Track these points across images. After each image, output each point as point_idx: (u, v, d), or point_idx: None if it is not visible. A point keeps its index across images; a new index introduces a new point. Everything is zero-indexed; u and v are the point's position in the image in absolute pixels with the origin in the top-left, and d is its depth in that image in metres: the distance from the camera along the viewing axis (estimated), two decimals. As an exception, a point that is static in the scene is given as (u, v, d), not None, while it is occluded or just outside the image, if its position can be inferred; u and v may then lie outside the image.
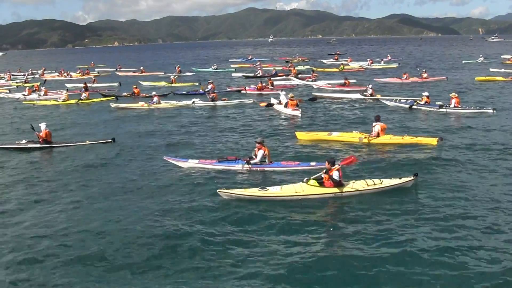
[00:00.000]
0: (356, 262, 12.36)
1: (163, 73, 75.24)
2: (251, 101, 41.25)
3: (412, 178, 17.78)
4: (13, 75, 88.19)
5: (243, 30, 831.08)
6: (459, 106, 34.29)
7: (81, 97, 46.82)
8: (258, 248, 13.43)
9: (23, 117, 40.15)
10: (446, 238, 13.55)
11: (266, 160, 20.87)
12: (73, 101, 45.99)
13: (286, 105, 35.13)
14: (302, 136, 26.89)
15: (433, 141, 24.48)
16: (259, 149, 20.85)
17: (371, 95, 41.04)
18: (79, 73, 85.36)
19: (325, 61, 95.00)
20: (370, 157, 22.86)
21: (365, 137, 25.20)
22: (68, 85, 60.97)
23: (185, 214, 16.04)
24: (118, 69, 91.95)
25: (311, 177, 17.39)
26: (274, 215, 15.68)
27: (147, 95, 47.02)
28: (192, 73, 74.30)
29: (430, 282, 11.44)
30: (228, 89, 49.71)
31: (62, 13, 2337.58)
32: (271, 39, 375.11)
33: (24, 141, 27.47)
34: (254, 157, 20.96)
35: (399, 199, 16.75)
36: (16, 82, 73.19)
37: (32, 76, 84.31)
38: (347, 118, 33.31)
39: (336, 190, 17.07)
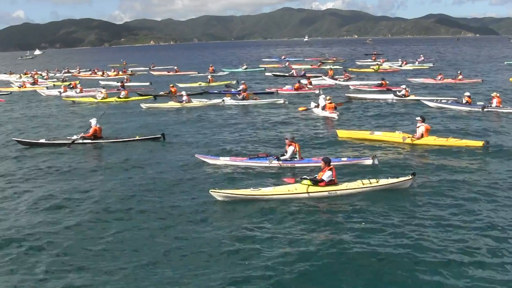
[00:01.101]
0: (346, 260, 12.35)
1: (196, 73, 75.48)
2: (282, 101, 41.08)
3: (410, 177, 17.42)
4: (50, 73, 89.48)
5: (278, 30, 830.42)
6: (501, 105, 33.73)
7: (120, 95, 47.21)
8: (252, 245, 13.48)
9: (69, 114, 40.93)
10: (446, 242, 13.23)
11: (297, 156, 20.83)
12: (112, 99, 46.35)
13: (323, 108, 34.56)
14: (344, 134, 26.67)
15: (479, 143, 23.77)
16: (289, 145, 20.87)
17: (404, 95, 40.44)
18: (114, 71, 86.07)
19: (359, 61, 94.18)
20: (413, 158, 22.53)
21: (409, 137, 24.72)
22: (103, 83, 61.72)
23: (222, 212, 16.23)
24: (151, 68, 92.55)
25: (309, 176, 17.30)
26: (269, 214, 15.70)
27: (189, 93, 47.29)
28: (224, 73, 74.34)
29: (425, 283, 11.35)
30: (260, 91, 49.34)
31: (99, 12, 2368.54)
32: (306, 39, 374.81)
33: (75, 136, 27.87)
34: (285, 153, 20.92)
35: (398, 198, 16.62)
36: (53, 81, 74.28)
37: (69, 74, 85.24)
38: (382, 119, 32.90)
39: (329, 189, 16.95)
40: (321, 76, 60.75)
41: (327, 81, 55.86)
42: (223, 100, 41.52)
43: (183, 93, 42.51)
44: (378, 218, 14.94)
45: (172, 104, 41.55)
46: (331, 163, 17.30)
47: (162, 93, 48.04)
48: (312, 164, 20.59)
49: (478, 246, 12.82)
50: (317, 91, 40.48)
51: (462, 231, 13.88)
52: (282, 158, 20.75)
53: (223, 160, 21.73)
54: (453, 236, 13.52)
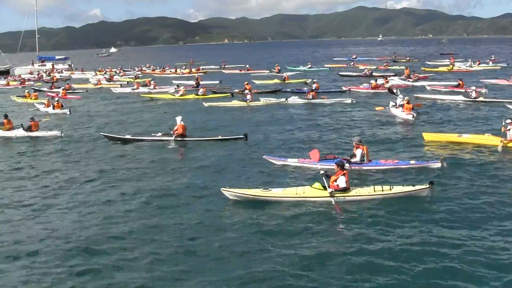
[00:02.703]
0: (350, 266, 12.16)
1: (268, 72, 75.52)
2: (350, 101, 40.72)
3: (427, 186, 16.64)
4: (124, 70, 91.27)
5: (352, 29, 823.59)
6: None
7: (198, 93, 47.80)
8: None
9: (148, 110, 41.96)
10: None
11: (365, 159, 20.55)
12: (190, 96, 46.96)
13: (402, 109, 33.61)
14: (430, 137, 25.95)
15: None
16: (357, 148, 20.65)
17: (475, 97, 39.35)
18: (187, 69, 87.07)
19: (429, 62, 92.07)
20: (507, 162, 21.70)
21: (501, 141, 23.65)
22: (176, 82, 62.51)
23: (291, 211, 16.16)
24: (222, 67, 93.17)
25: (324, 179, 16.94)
26: (277, 217, 15.76)
27: (258, 91, 47.76)
28: (292, 73, 73.99)
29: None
30: (332, 90, 49.03)
31: (173, 10, 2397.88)
32: (380, 38, 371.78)
33: (159, 134, 28.52)
34: (353, 156, 20.71)
35: (412, 208, 15.91)
36: (129, 78, 75.87)
37: (139, 72, 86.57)
38: (457, 121, 32.16)
39: (338, 194, 16.54)
40: (389, 76, 59.56)
41: (395, 80, 54.85)
42: (286, 99, 41.49)
43: (247, 91, 42.69)
44: (387, 227, 14.48)
45: (235, 102, 41.83)
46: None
47: (236, 90, 48.20)
48: (380, 166, 20.35)
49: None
50: (394, 91, 39.76)
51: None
52: (352, 160, 20.49)
53: (291, 162, 21.66)
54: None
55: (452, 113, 35.36)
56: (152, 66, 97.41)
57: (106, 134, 29.88)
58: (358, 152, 20.52)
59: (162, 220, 15.76)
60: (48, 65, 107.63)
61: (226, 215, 16.14)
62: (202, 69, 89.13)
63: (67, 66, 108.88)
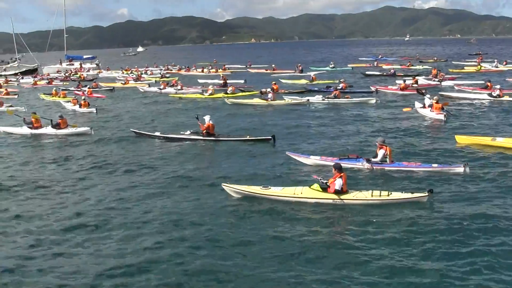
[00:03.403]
0: (338, 268, 12.32)
1: (293, 71, 75.39)
2: (374, 101, 40.60)
3: (426, 194, 16.38)
4: (151, 69, 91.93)
5: (379, 29, 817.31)
6: None
7: (227, 91, 47.86)
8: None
9: (176, 109, 42.25)
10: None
11: (387, 159, 20.60)
12: (219, 95, 47.15)
13: (431, 108, 33.33)
14: (462, 139, 25.37)
15: None
16: (380, 148, 20.69)
17: (499, 96, 39.06)
18: (213, 69, 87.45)
19: (455, 62, 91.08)
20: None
21: None
22: (201, 81, 62.91)
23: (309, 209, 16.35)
24: (248, 66, 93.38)
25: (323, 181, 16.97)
26: (274, 214, 16.10)
27: (285, 91, 47.97)
28: (315, 72, 73.78)
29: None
30: (359, 90, 48.88)
31: (201, 10, 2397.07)
32: (407, 38, 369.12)
33: (188, 132, 28.82)
34: (376, 156, 20.80)
35: (408, 214, 15.71)
36: (156, 76, 76.37)
37: (164, 71, 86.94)
38: (484, 121, 31.82)
39: (334, 197, 16.59)
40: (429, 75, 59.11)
41: (420, 80, 54.42)
42: (308, 99, 41.59)
43: (269, 90, 42.89)
44: (382, 232, 14.40)
45: (257, 100, 42.02)
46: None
47: (263, 90, 48.35)
48: (402, 168, 20.35)
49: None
50: (423, 91, 39.61)
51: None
52: (373, 160, 20.61)
53: (313, 159, 21.79)
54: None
55: (480, 113, 34.95)
56: (178, 66, 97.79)
57: (136, 131, 30.45)
58: (381, 153, 20.58)
59: (181, 215, 16.17)
60: (76, 64, 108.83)
61: (229, 210, 16.66)
62: (227, 68, 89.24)
63: (95, 65, 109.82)
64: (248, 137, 27.88)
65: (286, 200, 16.94)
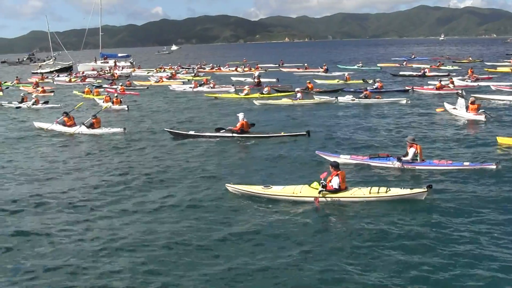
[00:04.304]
0: (335, 265, 12.27)
1: (317, 70, 75.31)
2: (405, 101, 40.18)
3: (424, 190, 16.22)
4: (184, 68, 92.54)
5: (413, 28, 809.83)
6: None
7: (264, 91, 47.58)
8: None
9: (212, 108, 42.38)
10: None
11: (418, 158, 20.46)
12: (255, 95, 46.93)
13: (467, 109, 32.53)
14: (505, 141, 24.54)
15: None
16: (410, 147, 20.50)
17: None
18: (246, 68, 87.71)
19: (488, 62, 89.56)
20: None
21: None
22: (234, 79, 63.14)
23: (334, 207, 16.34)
24: (280, 65, 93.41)
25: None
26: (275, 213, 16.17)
27: (320, 90, 48.07)
28: (342, 72, 73.25)
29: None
30: (393, 89, 48.54)
31: (235, 9, 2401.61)
32: (442, 38, 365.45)
33: (222, 130, 28.96)
34: (406, 155, 20.66)
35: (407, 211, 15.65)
36: (189, 75, 76.78)
37: (199, 71, 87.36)
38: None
39: (332, 195, 16.61)
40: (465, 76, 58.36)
41: (456, 81, 53.86)
42: (336, 98, 41.56)
43: (297, 89, 42.98)
44: (380, 229, 14.38)
45: (285, 101, 42.05)
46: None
47: (298, 89, 48.26)
48: (433, 166, 20.17)
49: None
50: (459, 91, 39.22)
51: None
52: (403, 159, 20.50)
53: (343, 158, 21.66)
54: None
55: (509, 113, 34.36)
56: (211, 64, 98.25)
57: (170, 130, 30.58)
58: (411, 151, 20.39)
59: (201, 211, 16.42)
60: (111, 62, 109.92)
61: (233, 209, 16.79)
62: (260, 67, 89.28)
63: (129, 64, 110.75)
64: (282, 133, 28.05)
65: (286, 199, 17.07)
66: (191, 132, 29.59)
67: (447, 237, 13.62)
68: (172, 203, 17.49)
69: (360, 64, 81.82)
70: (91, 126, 32.02)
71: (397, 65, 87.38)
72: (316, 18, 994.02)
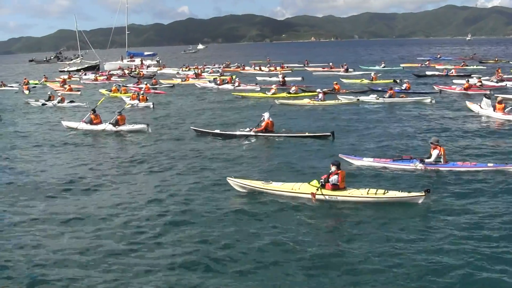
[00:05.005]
0: (327, 263, 12.47)
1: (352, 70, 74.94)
2: (429, 100, 40.03)
3: (422, 194, 16.19)
4: (210, 67, 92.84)
5: (441, 28, 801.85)
6: None
7: (291, 91, 47.41)
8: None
9: (238, 108, 42.49)
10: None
11: (442, 160, 20.42)
12: (283, 94, 46.84)
13: (494, 109, 32.37)
14: None
15: None
16: (434, 148, 20.48)
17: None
18: (272, 67, 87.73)
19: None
20: None
21: None
22: (259, 79, 63.24)
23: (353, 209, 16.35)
24: (305, 65, 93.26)
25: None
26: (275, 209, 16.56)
27: (346, 90, 47.86)
28: (363, 72, 72.82)
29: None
30: (420, 91, 48.05)
31: (261, 8, 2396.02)
32: (469, 38, 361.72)
33: (247, 129, 29.25)
34: (429, 157, 20.61)
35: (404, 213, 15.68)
36: (215, 75, 76.92)
37: (224, 70, 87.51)
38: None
39: (330, 193, 16.78)
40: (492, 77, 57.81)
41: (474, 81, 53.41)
42: (358, 99, 41.37)
43: (319, 90, 42.85)
44: (376, 230, 14.49)
45: (307, 101, 41.84)
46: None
47: (325, 90, 47.92)
48: (457, 168, 20.15)
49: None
50: (488, 92, 38.84)
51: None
52: (426, 161, 20.46)
53: (366, 161, 21.71)
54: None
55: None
56: (236, 63, 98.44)
57: (196, 128, 30.98)
58: (435, 153, 20.37)
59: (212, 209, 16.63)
60: (137, 61, 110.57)
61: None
62: (287, 67, 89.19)
63: (155, 62, 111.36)
64: (307, 134, 28.16)
65: (285, 195, 17.45)
66: (217, 131, 29.84)
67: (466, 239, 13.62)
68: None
69: (383, 65, 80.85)
70: (116, 123, 32.42)
71: (420, 65, 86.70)
72: (342, 17, 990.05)
